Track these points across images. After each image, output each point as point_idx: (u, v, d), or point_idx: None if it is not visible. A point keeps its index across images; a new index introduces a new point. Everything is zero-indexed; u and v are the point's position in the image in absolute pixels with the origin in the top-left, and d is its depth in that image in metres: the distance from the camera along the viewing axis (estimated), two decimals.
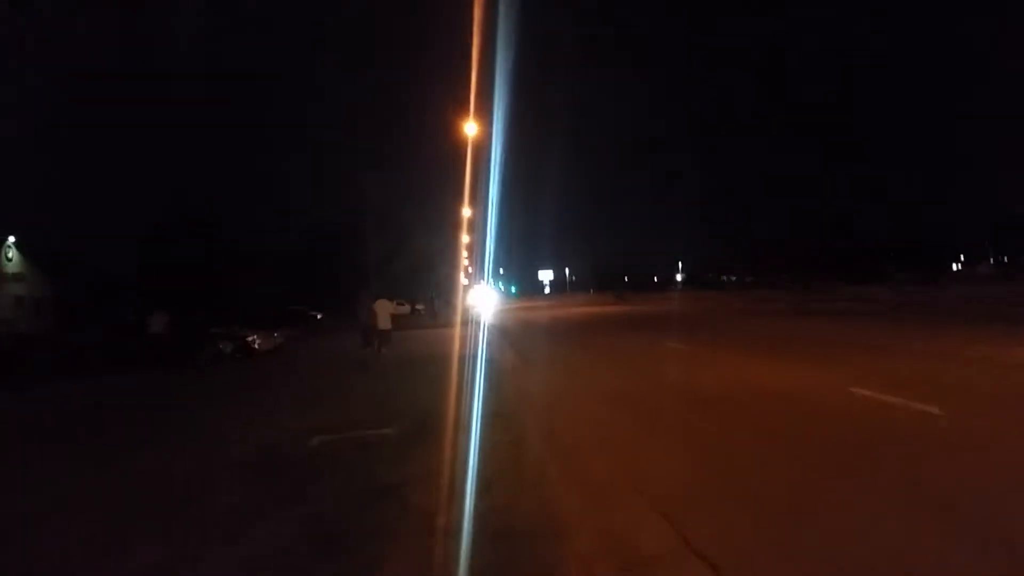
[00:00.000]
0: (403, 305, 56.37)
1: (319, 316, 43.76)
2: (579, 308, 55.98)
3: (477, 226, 45.90)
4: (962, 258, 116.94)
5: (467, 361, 16.47)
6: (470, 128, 33.72)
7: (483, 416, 9.29)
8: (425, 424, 8.83)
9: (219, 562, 4.76)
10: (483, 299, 48.38)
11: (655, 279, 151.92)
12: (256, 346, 21.61)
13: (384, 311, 20.89)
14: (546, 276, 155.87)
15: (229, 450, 8.12)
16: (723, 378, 12.39)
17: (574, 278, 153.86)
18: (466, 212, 54.39)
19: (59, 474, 7.68)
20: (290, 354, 22.88)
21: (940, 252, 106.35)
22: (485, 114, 33.25)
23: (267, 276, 40.47)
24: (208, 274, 34.73)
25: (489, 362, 16.47)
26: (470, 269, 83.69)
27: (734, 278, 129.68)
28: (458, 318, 41.08)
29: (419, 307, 57.73)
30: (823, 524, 4.98)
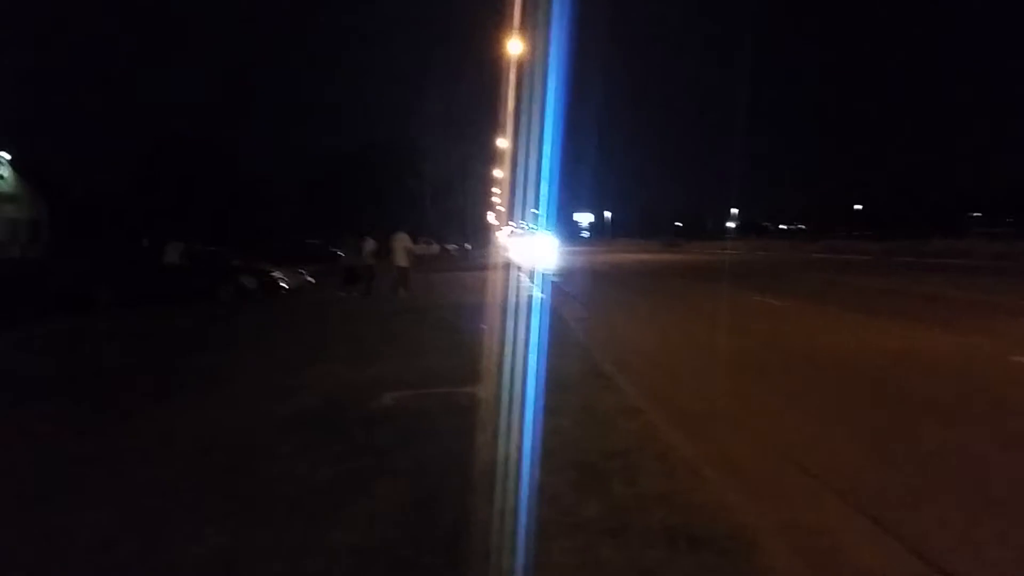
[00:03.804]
0: (431, 244, 55.73)
1: (340, 253, 43.06)
2: (629, 255, 55.03)
3: (520, 160, 44.33)
4: None
5: (526, 311, 15.63)
6: (514, 46, 32.46)
7: (578, 378, 8.50)
8: (515, 384, 8.04)
9: (299, 559, 4.00)
10: (534, 247, 43.45)
11: (706, 227, 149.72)
12: (283, 283, 20.96)
13: (400, 247, 20.13)
14: (584, 219, 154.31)
15: (284, 405, 7.38)
16: (846, 341, 11.54)
17: (612, 223, 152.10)
18: (502, 144, 53.07)
19: (67, 435, 6.91)
20: (317, 294, 22.22)
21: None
22: (531, 35, 31.98)
23: (285, 206, 39.72)
24: (220, 200, 34.02)
25: (553, 312, 15.67)
26: (502, 209, 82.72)
27: (800, 226, 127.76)
28: (498, 260, 40.34)
29: (450, 247, 57.16)
30: None
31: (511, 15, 28.61)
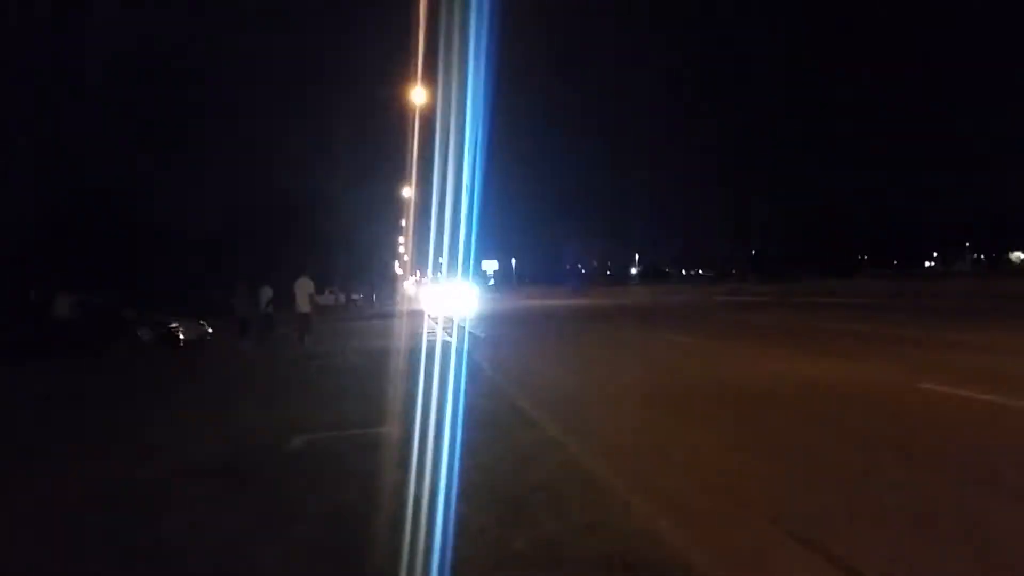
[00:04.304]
0: (337, 295, 54.93)
1: (233, 303, 41.79)
2: (537, 301, 55.33)
3: (428, 211, 43.84)
4: (935, 255, 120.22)
5: (437, 355, 15.35)
6: (419, 95, 32.59)
7: (495, 415, 8.31)
8: (429, 423, 7.77)
9: None
10: (445, 295, 40.17)
11: (609, 273, 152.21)
12: (180, 335, 20.12)
13: (303, 292, 19.65)
14: (491, 267, 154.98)
15: (188, 455, 6.92)
16: (763, 374, 11.63)
17: (518, 271, 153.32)
18: (409, 195, 52.91)
19: None
20: (218, 345, 21.43)
21: (913, 248, 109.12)
22: (438, 87, 32.20)
23: (185, 259, 38.42)
24: (117, 252, 32.70)
25: (466, 355, 15.45)
26: (406, 259, 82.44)
27: (698, 272, 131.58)
28: (402, 308, 39.93)
29: (356, 297, 56.48)
30: None
31: (418, 65, 28.82)
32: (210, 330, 22.49)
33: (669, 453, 6.76)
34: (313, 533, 4.59)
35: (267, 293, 21.57)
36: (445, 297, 38.07)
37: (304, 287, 19.65)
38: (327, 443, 7.13)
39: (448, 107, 32.84)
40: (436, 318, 29.15)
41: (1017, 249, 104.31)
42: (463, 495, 5.20)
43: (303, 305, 19.53)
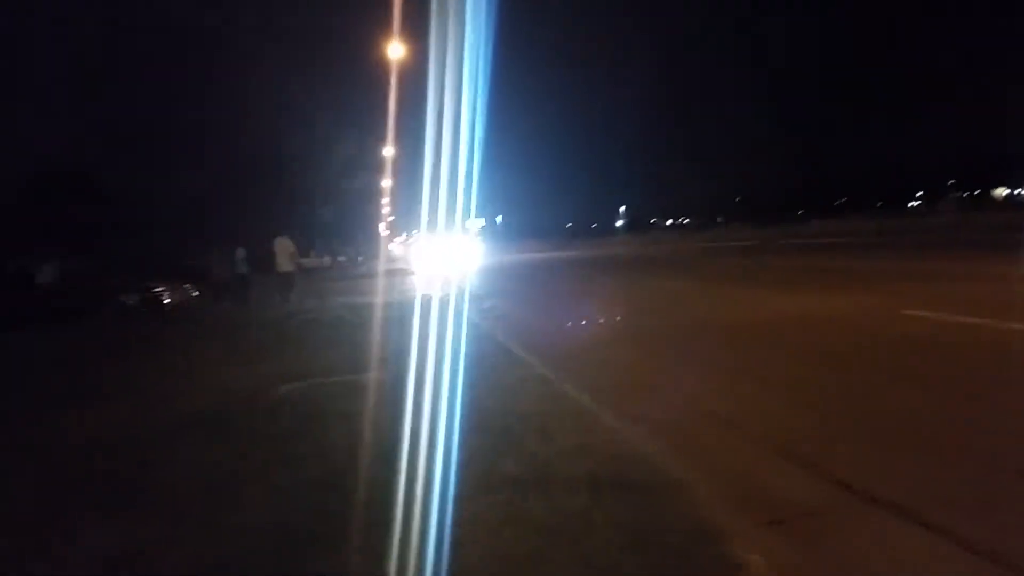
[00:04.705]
0: (322, 257, 54.81)
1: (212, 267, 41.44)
2: (525, 255, 55.41)
3: (413, 170, 43.18)
4: (919, 195, 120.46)
5: (414, 306, 15.29)
6: (398, 51, 32.08)
7: (481, 355, 8.41)
8: (420, 367, 7.85)
9: (197, 547, 3.73)
10: (447, 253, 37.62)
11: (596, 226, 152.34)
12: (166, 299, 20.03)
13: (284, 252, 19.66)
14: (477, 224, 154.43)
15: (180, 406, 6.97)
16: (760, 310, 11.62)
17: (505, 227, 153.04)
18: (392, 154, 52.33)
19: None
20: (202, 307, 21.38)
21: (896, 188, 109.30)
22: (421, 45, 31.69)
23: (166, 225, 38.15)
24: (98, 220, 32.48)
25: (453, 305, 15.50)
26: (391, 218, 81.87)
27: (683, 221, 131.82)
28: (389, 268, 39.86)
29: (341, 258, 56.39)
30: None
31: (399, 21, 28.36)
32: (195, 293, 22.40)
33: (653, 385, 6.87)
34: (301, 470, 4.66)
35: (240, 254, 21.54)
36: (438, 254, 36.29)
37: (284, 247, 19.62)
38: (313, 389, 7.18)
39: (443, 56, 32.35)
40: (427, 277, 28.99)
41: (1001, 185, 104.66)
42: (452, 426, 5.28)
43: (284, 264, 19.52)
